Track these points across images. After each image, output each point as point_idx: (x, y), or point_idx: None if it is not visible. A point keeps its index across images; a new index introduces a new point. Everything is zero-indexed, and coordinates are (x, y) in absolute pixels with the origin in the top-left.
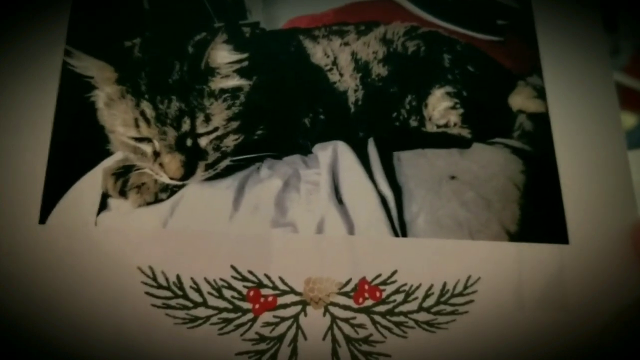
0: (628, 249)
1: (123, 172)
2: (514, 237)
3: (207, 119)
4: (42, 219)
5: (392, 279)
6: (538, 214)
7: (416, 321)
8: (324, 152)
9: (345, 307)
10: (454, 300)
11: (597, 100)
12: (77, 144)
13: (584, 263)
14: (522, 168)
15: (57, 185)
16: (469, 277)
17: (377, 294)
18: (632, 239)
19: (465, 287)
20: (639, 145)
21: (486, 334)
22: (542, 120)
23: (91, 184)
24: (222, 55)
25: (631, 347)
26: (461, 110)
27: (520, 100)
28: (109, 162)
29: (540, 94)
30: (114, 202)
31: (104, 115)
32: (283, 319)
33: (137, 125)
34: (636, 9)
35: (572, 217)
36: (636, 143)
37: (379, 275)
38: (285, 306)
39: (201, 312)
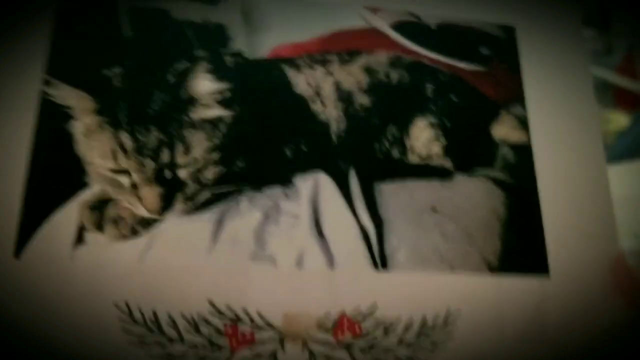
0: (609, 282)
1: (100, 205)
2: (494, 270)
3: (187, 150)
4: (17, 253)
5: (372, 313)
6: (519, 246)
7: (396, 356)
8: (304, 184)
9: (324, 343)
10: (433, 335)
11: (580, 132)
12: (54, 176)
13: (565, 296)
14: (504, 200)
15: (32, 218)
16: (448, 311)
17: (357, 329)
18: (613, 273)
19: (445, 321)
20: (626, 157)
21: None
22: (524, 151)
23: (68, 217)
24: (204, 84)
25: None
26: (444, 141)
27: (502, 130)
28: (86, 195)
29: (523, 124)
30: (90, 236)
31: (81, 146)
32: (261, 356)
33: (115, 157)
34: (629, 9)
35: (553, 250)
36: (624, 153)
37: (358, 310)
38: (263, 342)
39: (177, 348)
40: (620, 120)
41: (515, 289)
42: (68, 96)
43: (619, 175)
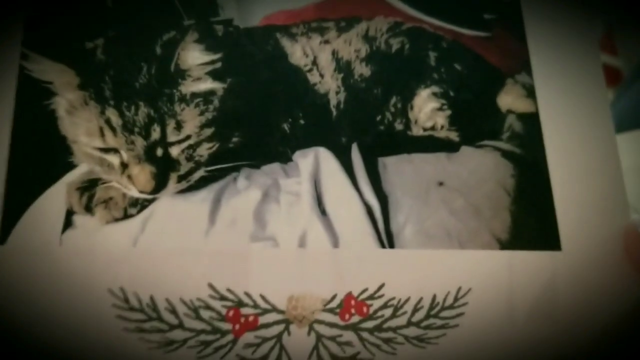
0: (622, 255)
1: (88, 186)
2: (504, 246)
3: (179, 126)
4: (2, 239)
5: (380, 293)
6: (529, 221)
7: (405, 337)
8: (304, 160)
9: (331, 325)
10: (444, 314)
11: (589, 100)
12: (38, 157)
13: (578, 270)
14: (512, 172)
15: (17, 202)
16: (459, 289)
17: (364, 310)
18: (624, 243)
19: (456, 299)
20: (621, 128)
21: (477, 347)
22: (532, 121)
23: (54, 200)
24: (193, 55)
25: (627, 358)
26: (448, 112)
27: (509, 99)
28: (72, 176)
29: (530, 92)
30: (79, 219)
31: (65, 124)
32: (265, 340)
33: (102, 135)
34: None
35: (564, 223)
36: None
37: (365, 290)
38: (267, 326)
39: (178, 334)
40: None
41: (526, 265)
42: (47, 70)
43: None
